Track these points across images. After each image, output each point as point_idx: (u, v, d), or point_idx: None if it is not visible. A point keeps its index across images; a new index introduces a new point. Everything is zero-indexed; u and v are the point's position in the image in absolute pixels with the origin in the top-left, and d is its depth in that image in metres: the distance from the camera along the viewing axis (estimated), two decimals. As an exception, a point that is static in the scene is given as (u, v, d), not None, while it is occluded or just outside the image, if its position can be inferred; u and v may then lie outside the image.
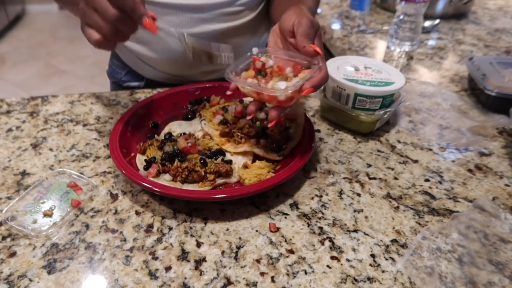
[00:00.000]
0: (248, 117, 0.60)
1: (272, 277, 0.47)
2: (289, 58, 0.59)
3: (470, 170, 0.65)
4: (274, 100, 0.56)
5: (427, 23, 1.22)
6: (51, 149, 0.68)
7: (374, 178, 0.62)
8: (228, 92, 0.60)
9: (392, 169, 0.65)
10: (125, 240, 0.52)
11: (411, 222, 0.55)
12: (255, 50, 0.61)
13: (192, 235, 0.52)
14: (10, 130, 0.73)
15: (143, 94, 0.84)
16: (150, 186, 0.54)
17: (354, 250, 0.51)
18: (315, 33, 0.57)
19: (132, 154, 0.64)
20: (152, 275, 0.47)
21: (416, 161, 0.66)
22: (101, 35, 0.51)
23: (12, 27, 3.84)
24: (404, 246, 0.51)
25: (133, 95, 0.84)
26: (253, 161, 0.64)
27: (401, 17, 1.06)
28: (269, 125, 0.56)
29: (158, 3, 0.77)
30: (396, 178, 0.63)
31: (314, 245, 0.51)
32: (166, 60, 0.85)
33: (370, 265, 0.49)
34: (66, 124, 0.75)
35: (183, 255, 0.50)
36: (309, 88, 0.53)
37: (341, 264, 0.49)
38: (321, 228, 0.54)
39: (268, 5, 0.89)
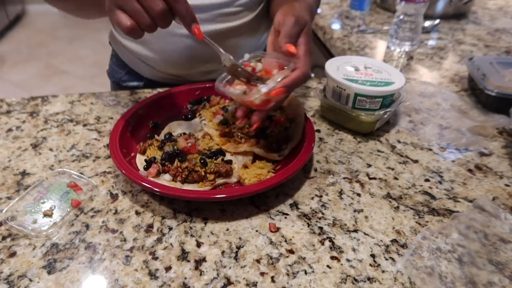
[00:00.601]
0: (238, 122, 0.62)
1: (272, 277, 0.47)
2: (276, 60, 0.59)
3: (470, 170, 0.65)
4: (252, 105, 0.57)
5: (427, 23, 1.22)
6: (51, 149, 0.68)
7: (374, 178, 0.62)
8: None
9: (392, 169, 0.65)
10: (125, 240, 0.52)
11: (411, 222, 0.55)
12: (246, 56, 0.62)
13: (192, 235, 0.52)
14: (10, 130, 0.73)
15: (143, 94, 0.84)
16: (150, 186, 0.54)
17: (354, 250, 0.51)
18: (300, 31, 0.56)
19: (132, 154, 0.64)
20: (152, 275, 0.47)
21: (416, 161, 0.66)
22: (134, 23, 0.49)
23: (12, 27, 3.84)
24: (404, 246, 0.51)
25: (133, 95, 0.84)
26: (253, 161, 0.64)
27: (401, 17, 1.06)
28: (251, 129, 0.59)
29: None
30: (396, 178, 0.63)
31: (314, 245, 0.51)
32: (165, 61, 0.85)
33: (370, 265, 0.49)
34: (66, 124, 0.75)
35: (183, 255, 0.50)
36: (279, 89, 0.53)
37: (341, 264, 0.49)
38: (321, 228, 0.54)
39: (269, 5, 0.89)
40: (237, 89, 0.58)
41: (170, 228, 0.53)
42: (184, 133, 0.67)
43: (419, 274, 0.47)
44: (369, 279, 0.47)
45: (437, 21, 1.24)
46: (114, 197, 0.58)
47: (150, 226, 0.54)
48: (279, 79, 0.55)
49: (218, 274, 0.47)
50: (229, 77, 0.60)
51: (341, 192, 0.60)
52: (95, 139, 0.71)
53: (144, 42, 0.83)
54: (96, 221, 0.54)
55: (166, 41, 0.81)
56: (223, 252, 0.50)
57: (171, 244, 0.51)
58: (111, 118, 0.77)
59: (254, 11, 0.85)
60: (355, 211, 0.56)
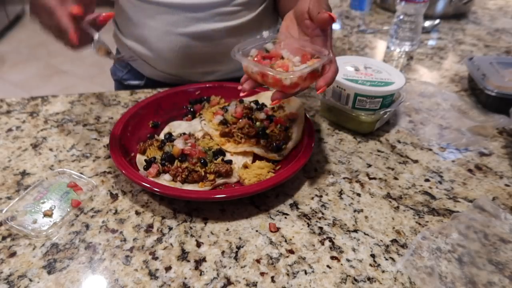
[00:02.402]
0: (240, 89, 0.56)
1: (272, 277, 0.47)
2: (300, 47, 0.56)
3: (470, 170, 0.65)
4: (278, 85, 0.53)
5: (427, 23, 1.22)
6: (51, 149, 0.68)
7: (374, 178, 0.62)
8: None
9: (392, 169, 0.65)
10: (125, 240, 0.52)
11: (411, 222, 0.55)
12: (265, 33, 0.59)
13: (192, 235, 0.52)
14: (10, 130, 0.73)
15: (143, 94, 0.84)
16: (150, 186, 0.54)
17: (354, 250, 0.51)
18: (329, 9, 0.55)
19: (132, 154, 0.64)
20: (152, 275, 0.47)
21: (416, 161, 0.66)
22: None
23: (12, 27, 3.83)
24: (404, 246, 0.51)
25: (133, 95, 0.84)
26: (253, 161, 0.64)
27: (401, 17, 1.06)
28: (271, 104, 0.55)
29: (153, 2, 0.77)
30: (396, 178, 0.63)
31: (314, 245, 0.51)
32: (163, 60, 0.85)
33: (370, 265, 0.49)
34: (66, 124, 0.75)
35: (183, 255, 0.50)
36: (324, 87, 0.52)
37: (341, 264, 0.49)
38: (321, 228, 0.54)
39: (275, 3, 0.89)
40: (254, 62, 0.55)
41: (170, 228, 0.53)
42: (184, 133, 0.67)
43: (419, 274, 0.47)
44: (369, 279, 0.47)
45: (437, 21, 1.24)
46: (114, 197, 0.58)
47: (150, 226, 0.54)
48: (316, 65, 0.52)
49: (218, 274, 0.47)
50: (247, 48, 0.57)
51: (341, 192, 0.60)
52: (95, 139, 0.71)
53: (145, 41, 0.84)
54: (96, 221, 0.54)
55: (163, 40, 0.81)
56: (223, 252, 0.50)
57: (171, 244, 0.51)
58: (111, 118, 0.77)
59: (255, 11, 0.85)
60: (355, 211, 0.56)
